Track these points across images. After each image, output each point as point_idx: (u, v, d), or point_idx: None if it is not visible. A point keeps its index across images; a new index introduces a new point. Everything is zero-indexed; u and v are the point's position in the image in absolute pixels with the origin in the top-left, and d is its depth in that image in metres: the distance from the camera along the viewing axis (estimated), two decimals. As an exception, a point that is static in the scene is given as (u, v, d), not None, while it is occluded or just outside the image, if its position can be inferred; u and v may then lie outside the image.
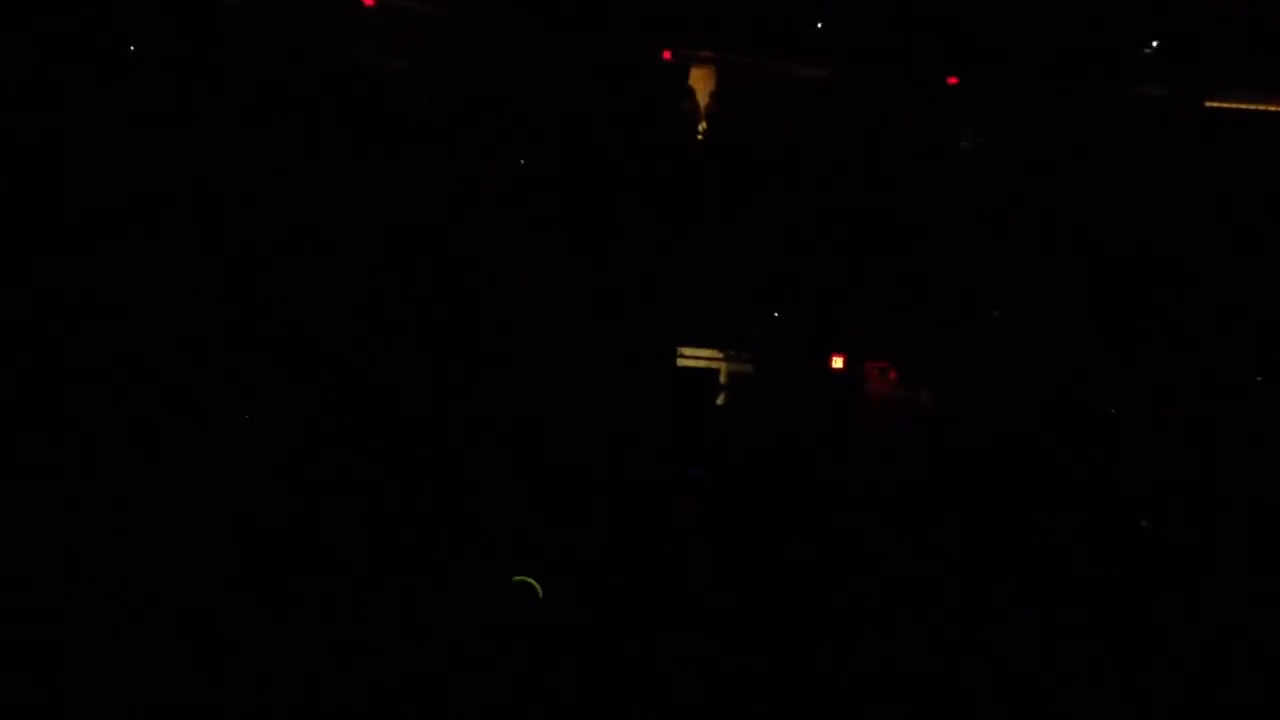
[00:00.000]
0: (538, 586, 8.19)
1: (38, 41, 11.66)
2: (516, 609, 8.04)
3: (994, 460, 11.19)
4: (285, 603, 7.53)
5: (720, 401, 12.90)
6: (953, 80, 14.02)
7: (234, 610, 7.36)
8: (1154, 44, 13.69)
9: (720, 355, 12.94)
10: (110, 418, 8.87)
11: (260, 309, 11.02)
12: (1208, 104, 14.12)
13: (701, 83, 14.61)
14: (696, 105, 14.58)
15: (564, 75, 13.63)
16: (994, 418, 11.62)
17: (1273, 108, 14.12)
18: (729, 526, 10.24)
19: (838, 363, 12.52)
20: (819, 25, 14.32)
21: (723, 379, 12.95)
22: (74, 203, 10.88)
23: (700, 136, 14.35)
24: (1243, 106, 14.12)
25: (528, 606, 8.13)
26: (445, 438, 9.38)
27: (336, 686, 7.02)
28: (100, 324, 10.02)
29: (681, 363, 12.59)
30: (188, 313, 10.47)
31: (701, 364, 12.82)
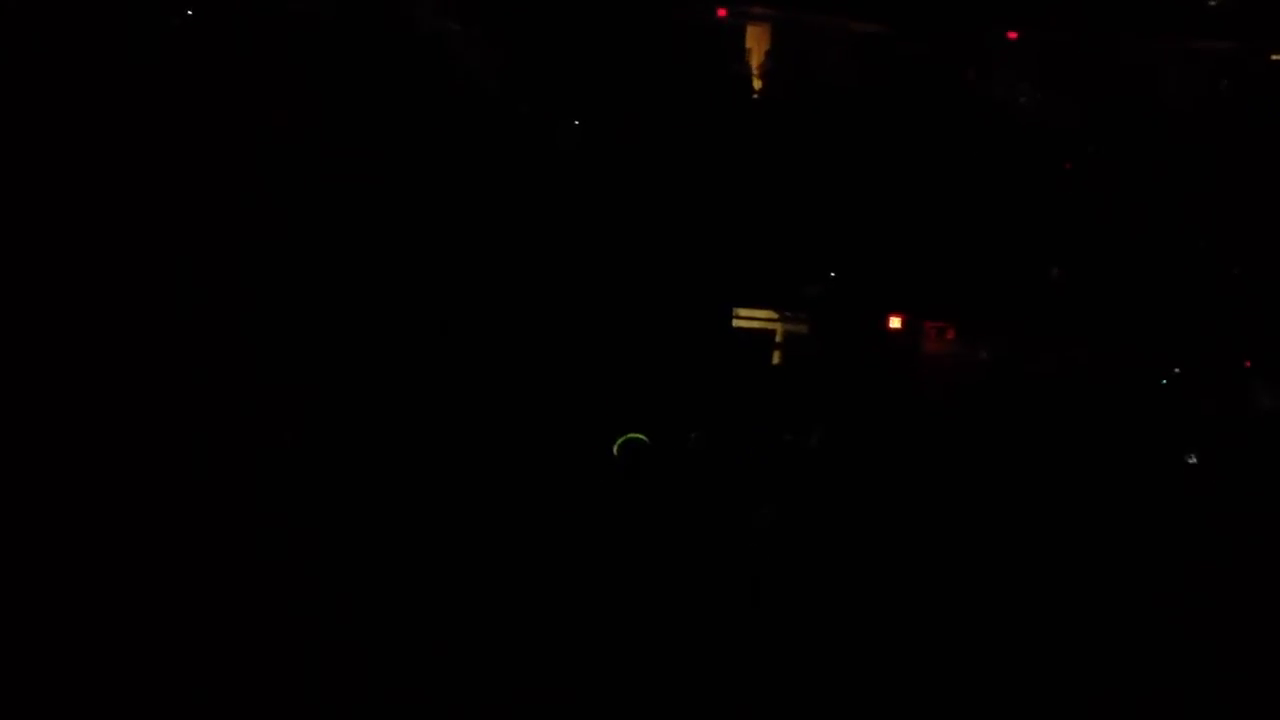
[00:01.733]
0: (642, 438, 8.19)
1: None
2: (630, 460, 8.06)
3: (1053, 423, 11.08)
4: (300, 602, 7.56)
5: (776, 362, 12.86)
6: (1013, 35, 13.81)
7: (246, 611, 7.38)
8: (1219, -3, 13.41)
9: (775, 316, 12.88)
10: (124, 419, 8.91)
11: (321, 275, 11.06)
12: (1274, 57, 13.82)
13: (757, 41, 14.49)
14: (752, 63, 14.46)
15: (618, 34, 13.55)
16: (1053, 379, 11.50)
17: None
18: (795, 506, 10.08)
19: (895, 322, 12.43)
20: (877, -19, 14.13)
21: (778, 339, 12.90)
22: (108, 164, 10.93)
23: (756, 95, 14.24)
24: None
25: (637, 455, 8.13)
26: (498, 398, 9.38)
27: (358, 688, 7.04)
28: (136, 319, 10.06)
29: (737, 324, 12.56)
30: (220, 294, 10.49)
31: (757, 325, 12.77)
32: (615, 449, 8.48)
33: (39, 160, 10.74)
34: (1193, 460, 10.28)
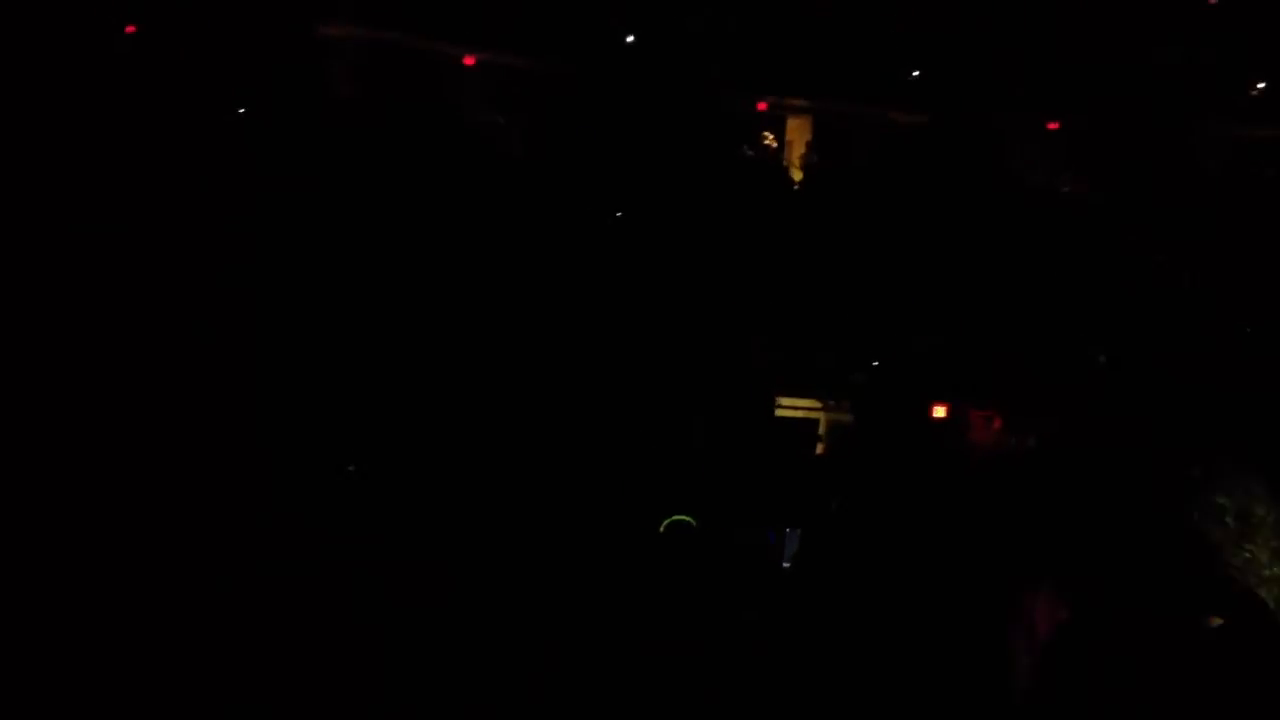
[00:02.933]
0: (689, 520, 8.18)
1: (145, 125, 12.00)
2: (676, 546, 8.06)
3: (1100, 507, 10.96)
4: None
5: (820, 451, 12.82)
6: (1053, 125, 13.90)
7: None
8: (1260, 85, 13.45)
9: (819, 405, 12.87)
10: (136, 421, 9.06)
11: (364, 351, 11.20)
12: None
13: (798, 133, 14.65)
14: (793, 155, 14.63)
15: (663, 126, 13.74)
16: (1100, 465, 11.39)
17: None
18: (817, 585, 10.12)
19: (940, 411, 12.37)
20: (915, 73, 14.30)
21: (822, 429, 12.87)
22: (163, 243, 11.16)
23: (798, 186, 14.37)
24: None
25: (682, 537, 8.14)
26: (542, 491, 9.43)
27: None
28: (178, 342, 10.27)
29: (780, 413, 12.54)
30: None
31: (800, 414, 12.76)
32: (662, 529, 8.50)
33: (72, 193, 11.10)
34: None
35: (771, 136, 14.33)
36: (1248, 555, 2.65)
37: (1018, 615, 3.61)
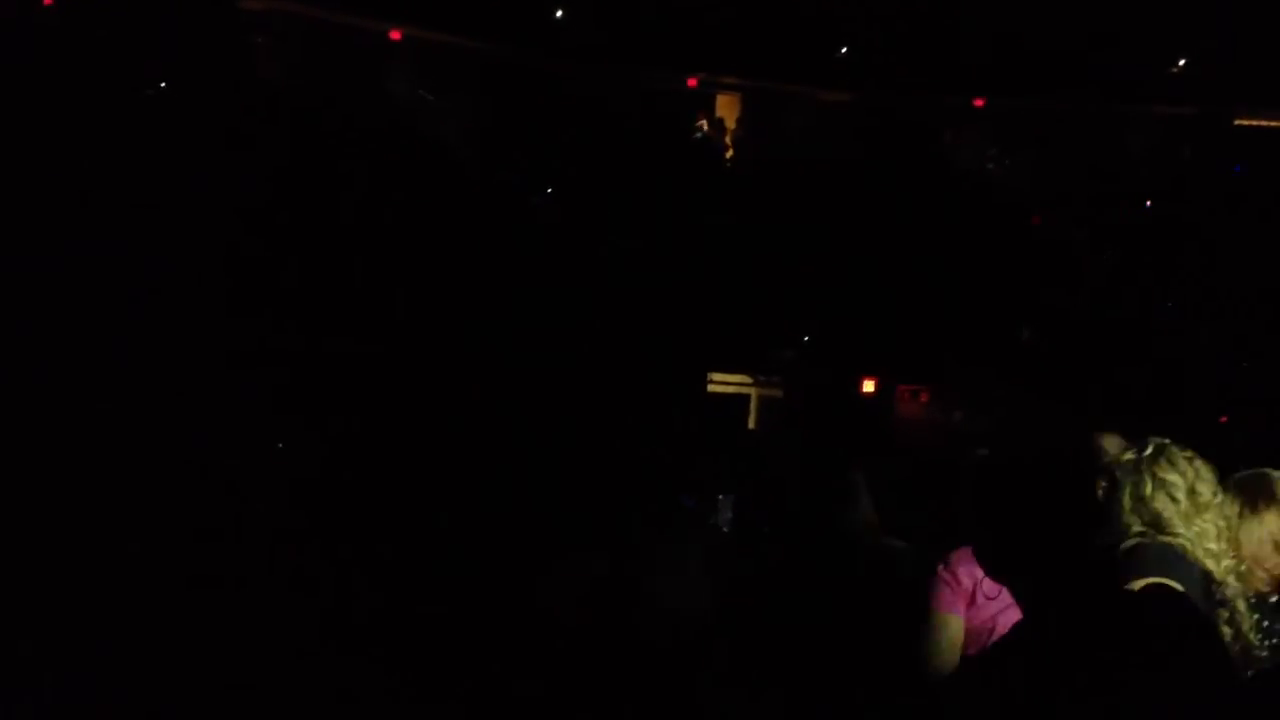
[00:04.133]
0: None
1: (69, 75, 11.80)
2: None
3: (1026, 483, 11.11)
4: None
5: (751, 426, 12.89)
6: (979, 102, 14.02)
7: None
8: (1181, 62, 13.66)
9: (750, 380, 12.94)
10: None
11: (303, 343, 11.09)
12: (1237, 122, 14.06)
13: (728, 109, 14.67)
14: (723, 132, 14.63)
15: (593, 105, 13.70)
16: (1026, 439, 11.54)
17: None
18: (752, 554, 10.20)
19: (869, 386, 12.50)
20: (843, 50, 14.35)
21: (753, 404, 12.95)
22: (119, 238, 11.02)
23: (727, 163, 14.40)
24: (1274, 124, 14.04)
25: None
26: (475, 464, 9.41)
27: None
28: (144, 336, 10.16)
29: (711, 388, 12.59)
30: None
31: (731, 389, 12.82)
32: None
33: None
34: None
35: (705, 116, 14.35)
36: (1197, 529, 2.74)
37: (946, 576, 3.68)
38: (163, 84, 12.35)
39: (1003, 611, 3.37)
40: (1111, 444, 3.37)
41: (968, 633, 3.46)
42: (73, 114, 11.65)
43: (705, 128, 14.39)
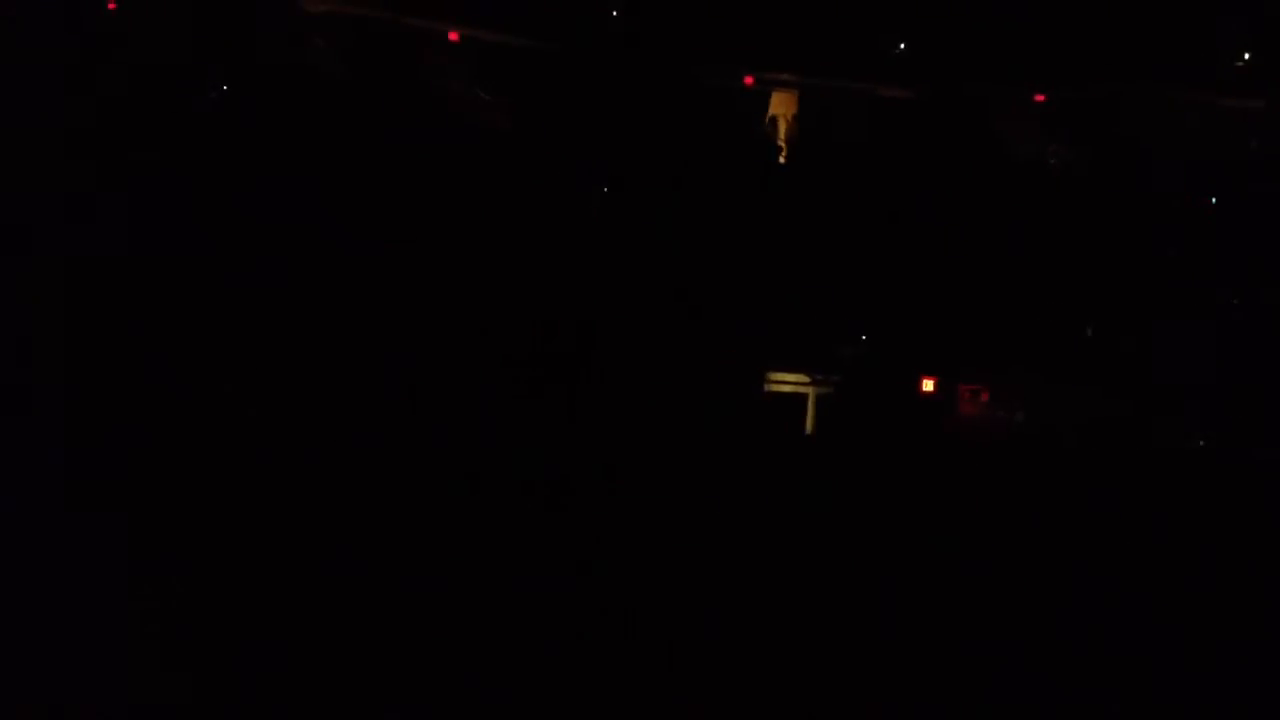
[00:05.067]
0: None
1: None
2: None
3: (1088, 481, 11.00)
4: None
5: (810, 426, 12.83)
6: (1040, 97, 13.85)
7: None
8: (1246, 56, 13.44)
9: (808, 379, 12.86)
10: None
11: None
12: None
13: (784, 107, 14.59)
14: (779, 130, 14.56)
15: (649, 102, 13.68)
16: (1089, 439, 11.42)
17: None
18: (818, 549, 10.21)
19: (928, 385, 12.39)
20: (901, 46, 14.24)
21: (811, 403, 12.87)
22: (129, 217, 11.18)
23: (783, 160, 14.33)
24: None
25: None
26: (531, 467, 9.44)
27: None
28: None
29: (770, 388, 12.54)
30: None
31: (789, 389, 12.75)
32: None
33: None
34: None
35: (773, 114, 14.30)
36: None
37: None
38: (225, 86, 12.48)
39: None
40: None
41: None
42: (137, 117, 11.78)
43: (770, 125, 14.34)
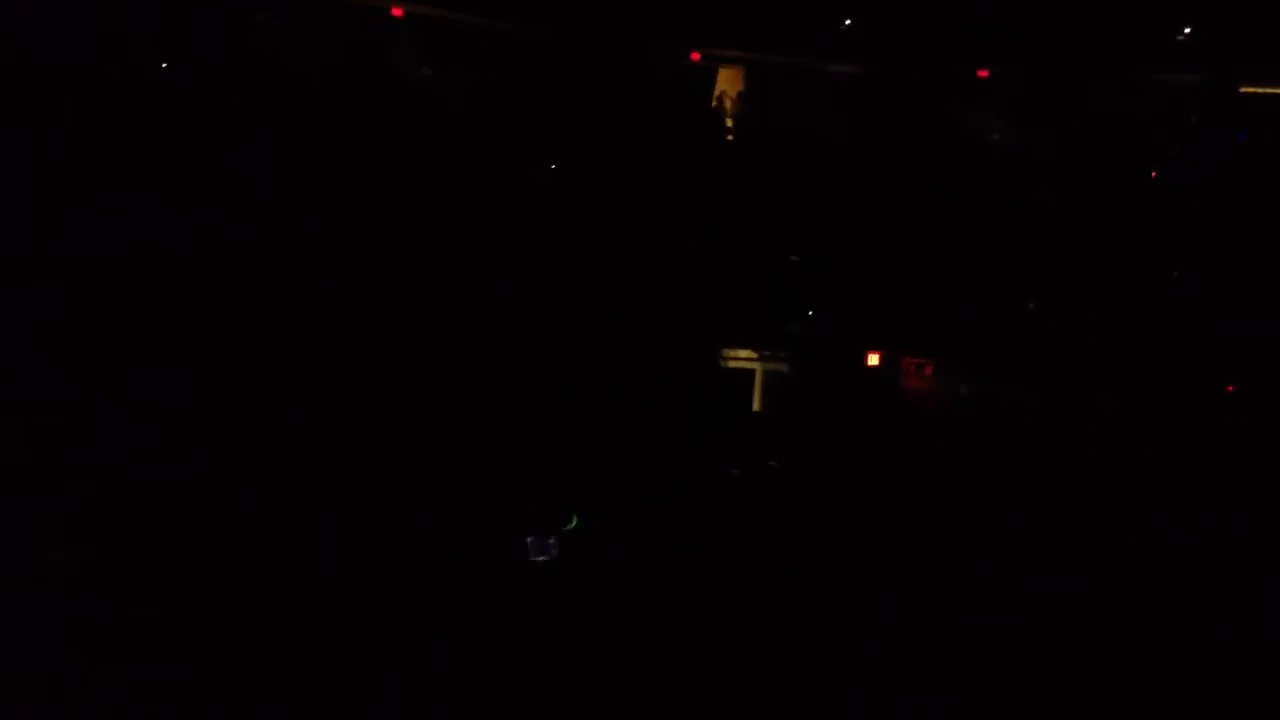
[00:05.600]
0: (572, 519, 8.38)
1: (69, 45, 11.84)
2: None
3: (1032, 452, 11.12)
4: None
5: (758, 401, 12.90)
6: (983, 73, 13.95)
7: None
8: (1186, 30, 13.58)
9: (756, 355, 12.93)
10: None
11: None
12: (1242, 90, 13.98)
13: (730, 83, 14.61)
14: (726, 106, 14.59)
15: (595, 80, 13.65)
16: (1032, 410, 11.55)
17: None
18: (770, 523, 10.27)
19: (874, 359, 12.49)
20: (847, 23, 14.29)
21: (759, 378, 12.94)
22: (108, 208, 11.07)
23: (730, 137, 14.35)
24: (1278, 91, 13.96)
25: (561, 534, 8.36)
26: (492, 443, 9.45)
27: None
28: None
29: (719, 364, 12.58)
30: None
31: (739, 364, 12.82)
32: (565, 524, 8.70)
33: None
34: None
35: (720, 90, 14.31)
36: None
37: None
38: (164, 65, 12.35)
39: None
40: None
41: None
42: (84, 93, 11.65)
43: (718, 102, 14.36)
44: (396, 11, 13.65)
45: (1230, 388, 12.09)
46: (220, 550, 8.24)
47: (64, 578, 7.56)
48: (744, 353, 12.87)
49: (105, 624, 7.28)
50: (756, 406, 12.80)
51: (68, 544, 7.91)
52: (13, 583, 7.36)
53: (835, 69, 14.49)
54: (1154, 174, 13.62)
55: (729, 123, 14.48)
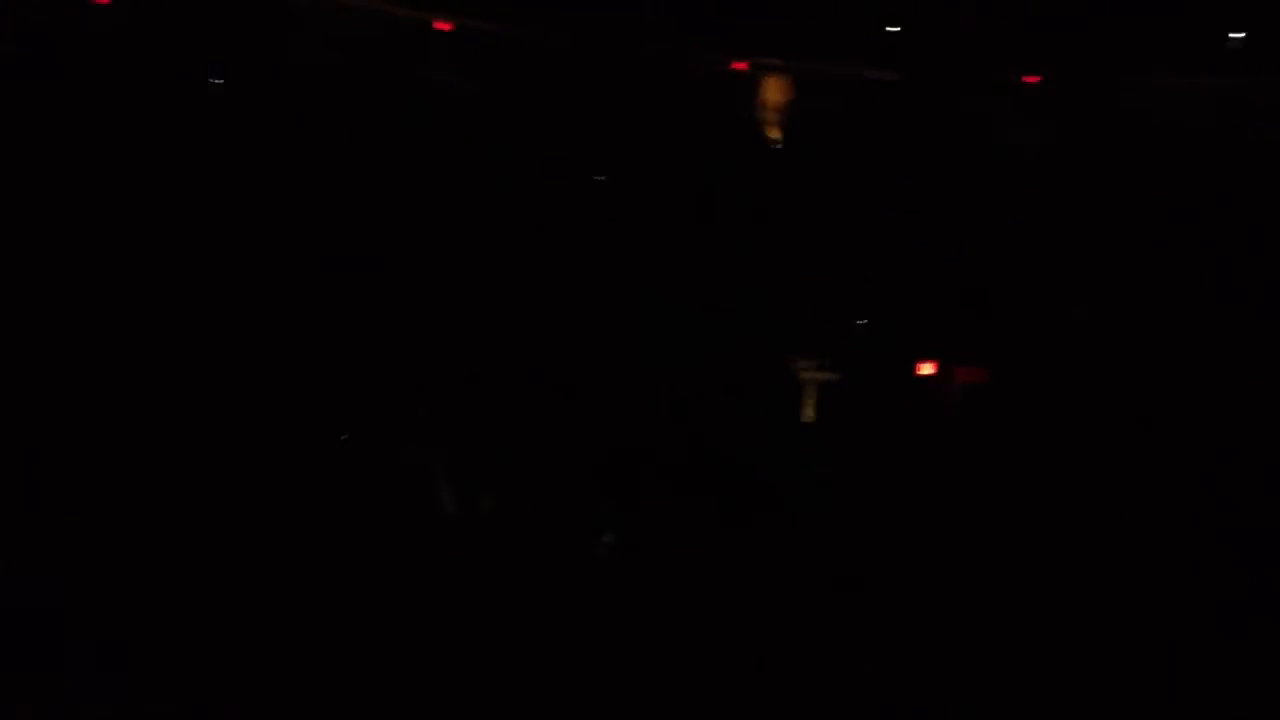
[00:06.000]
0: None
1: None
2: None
3: (1088, 465, 11.03)
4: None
5: (809, 410, 12.79)
6: (1030, 79, 13.85)
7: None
8: (1236, 35, 13.48)
9: (808, 365, 12.82)
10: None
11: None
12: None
13: (774, 92, 14.51)
14: (770, 116, 14.49)
15: (638, 89, 13.60)
16: (1088, 421, 11.44)
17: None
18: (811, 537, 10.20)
19: (926, 369, 12.38)
20: (889, 29, 14.21)
21: (809, 390, 12.83)
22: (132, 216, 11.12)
23: (776, 145, 14.26)
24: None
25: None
26: (554, 458, 9.37)
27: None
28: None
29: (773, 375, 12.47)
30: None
31: (791, 373, 12.70)
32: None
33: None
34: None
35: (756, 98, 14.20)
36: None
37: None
38: (211, 77, 12.34)
39: None
40: None
41: None
42: (125, 108, 11.65)
43: (760, 111, 14.26)
44: (443, 25, 13.63)
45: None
46: (224, 550, 8.22)
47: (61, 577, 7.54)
48: (796, 361, 12.77)
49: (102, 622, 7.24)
50: (808, 416, 12.70)
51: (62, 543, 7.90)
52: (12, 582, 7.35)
53: (879, 75, 14.42)
54: (1203, 180, 13.51)
55: (774, 132, 14.39)
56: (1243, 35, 13.47)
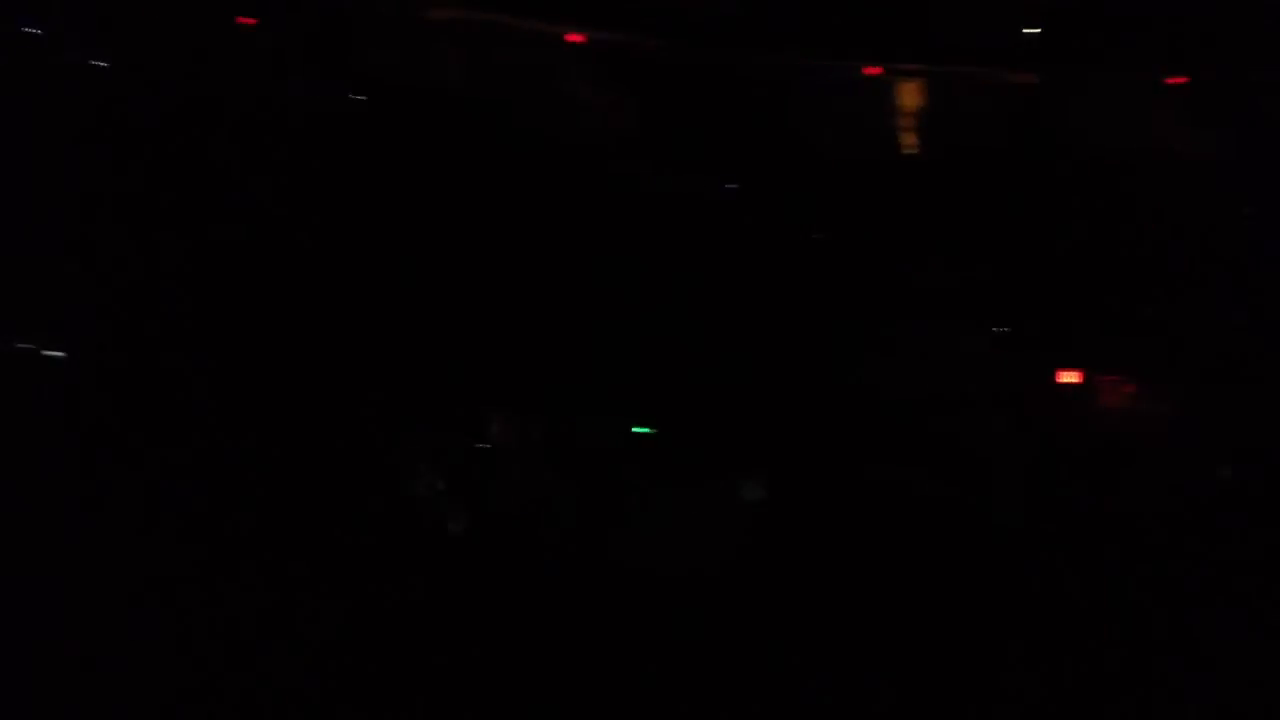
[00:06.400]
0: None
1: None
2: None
3: (1247, 482, 10.70)
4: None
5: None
6: (1175, 80, 13.47)
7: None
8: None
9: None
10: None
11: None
12: None
13: (910, 96, 14.36)
14: (907, 122, 14.34)
15: (768, 96, 13.56)
16: (1244, 431, 11.10)
17: None
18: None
19: (1069, 377, 12.12)
20: (1029, 30, 13.94)
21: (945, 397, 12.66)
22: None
23: (912, 151, 14.11)
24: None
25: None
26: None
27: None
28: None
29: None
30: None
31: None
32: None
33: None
34: None
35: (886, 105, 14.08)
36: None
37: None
38: (354, 96, 12.60)
39: None
40: None
41: None
42: (269, 125, 11.94)
43: (898, 117, 14.14)
44: (574, 38, 13.72)
45: None
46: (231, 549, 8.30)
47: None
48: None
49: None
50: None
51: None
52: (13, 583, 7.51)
53: (1018, 78, 14.16)
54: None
55: (911, 139, 14.25)
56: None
